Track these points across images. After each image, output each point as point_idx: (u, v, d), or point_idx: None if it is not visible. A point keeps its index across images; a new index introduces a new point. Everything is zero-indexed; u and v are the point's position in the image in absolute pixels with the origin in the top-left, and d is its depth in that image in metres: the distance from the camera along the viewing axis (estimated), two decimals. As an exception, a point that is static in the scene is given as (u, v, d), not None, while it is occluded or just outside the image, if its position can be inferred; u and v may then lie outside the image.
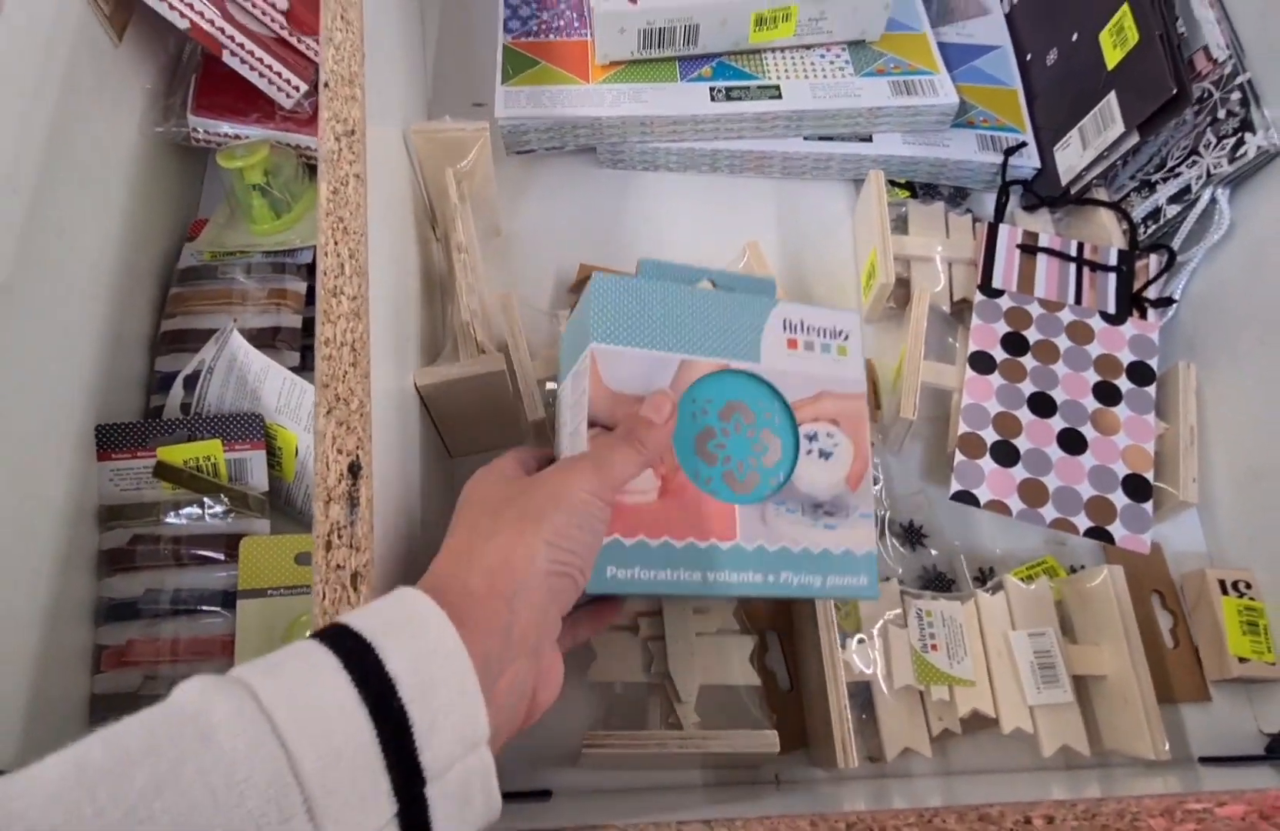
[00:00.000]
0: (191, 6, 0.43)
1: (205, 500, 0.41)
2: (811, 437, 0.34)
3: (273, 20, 0.46)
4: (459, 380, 0.40)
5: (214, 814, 0.16)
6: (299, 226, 0.49)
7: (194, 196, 0.53)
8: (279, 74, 0.47)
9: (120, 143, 0.45)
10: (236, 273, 0.47)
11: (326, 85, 0.35)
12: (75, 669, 0.39)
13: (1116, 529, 0.44)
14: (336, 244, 0.32)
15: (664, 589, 0.31)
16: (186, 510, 0.42)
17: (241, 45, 0.45)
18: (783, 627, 0.44)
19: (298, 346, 0.46)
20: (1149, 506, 0.44)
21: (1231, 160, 0.46)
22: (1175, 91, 0.45)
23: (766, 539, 0.32)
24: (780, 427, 0.34)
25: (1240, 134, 0.46)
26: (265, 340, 0.45)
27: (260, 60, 0.46)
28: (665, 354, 0.33)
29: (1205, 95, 0.48)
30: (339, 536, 0.27)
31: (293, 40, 0.47)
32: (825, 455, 0.34)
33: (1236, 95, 0.46)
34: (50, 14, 0.39)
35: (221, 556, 0.41)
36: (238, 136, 0.48)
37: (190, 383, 0.43)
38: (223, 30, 0.45)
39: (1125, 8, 0.49)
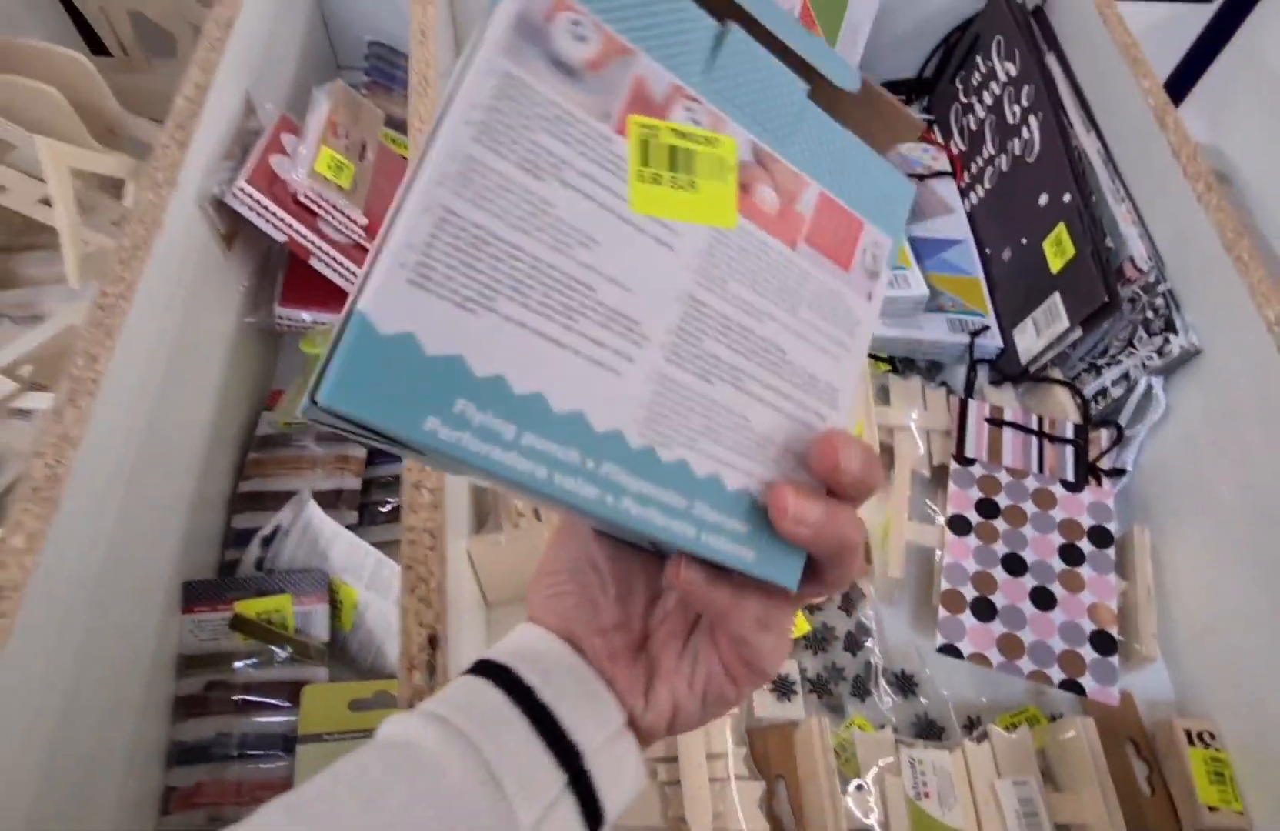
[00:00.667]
0: (289, 224, 0.53)
1: (273, 649, 0.46)
2: None
3: (353, 231, 0.55)
4: (504, 547, 0.46)
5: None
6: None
7: (271, 369, 0.60)
8: (354, 272, 0.55)
9: (220, 332, 0.53)
10: (307, 440, 0.54)
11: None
12: (145, 810, 0.43)
13: (1087, 681, 0.49)
14: (416, 444, 0.39)
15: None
16: (255, 659, 0.46)
17: (326, 252, 0.54)
18: (790, 774, 0.48)
19: (356, 506, 0.53)
20: (1115, 659, 0.50)
21: (1160, 355, 0.54)
22: (1107, 300, 0.54)
23: None
24: None
25: (1165, 334, 0.54)
26: (330, 501, 0.52)
27: (339, 262, 0.55)
28: None
29: (1135, 298, 0.56)
30: (419, 700, 0.32)
31: (366, 245, 0.56)
32: None
33: (1160, 300, 0.55)
34: (182, 233, 0.48)
35: (285, 703, 0.45)
36: (316, 323, 0.56)
37: (267, 541, 0.49)
38: (312, 242, 0.54)
39: (1062, 225, 0.58)
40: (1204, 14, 0.78)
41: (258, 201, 0.51)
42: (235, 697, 0.44)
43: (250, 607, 0.47)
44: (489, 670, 0.24)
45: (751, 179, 0.22)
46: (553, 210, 0.19)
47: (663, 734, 0.26)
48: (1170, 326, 0.54)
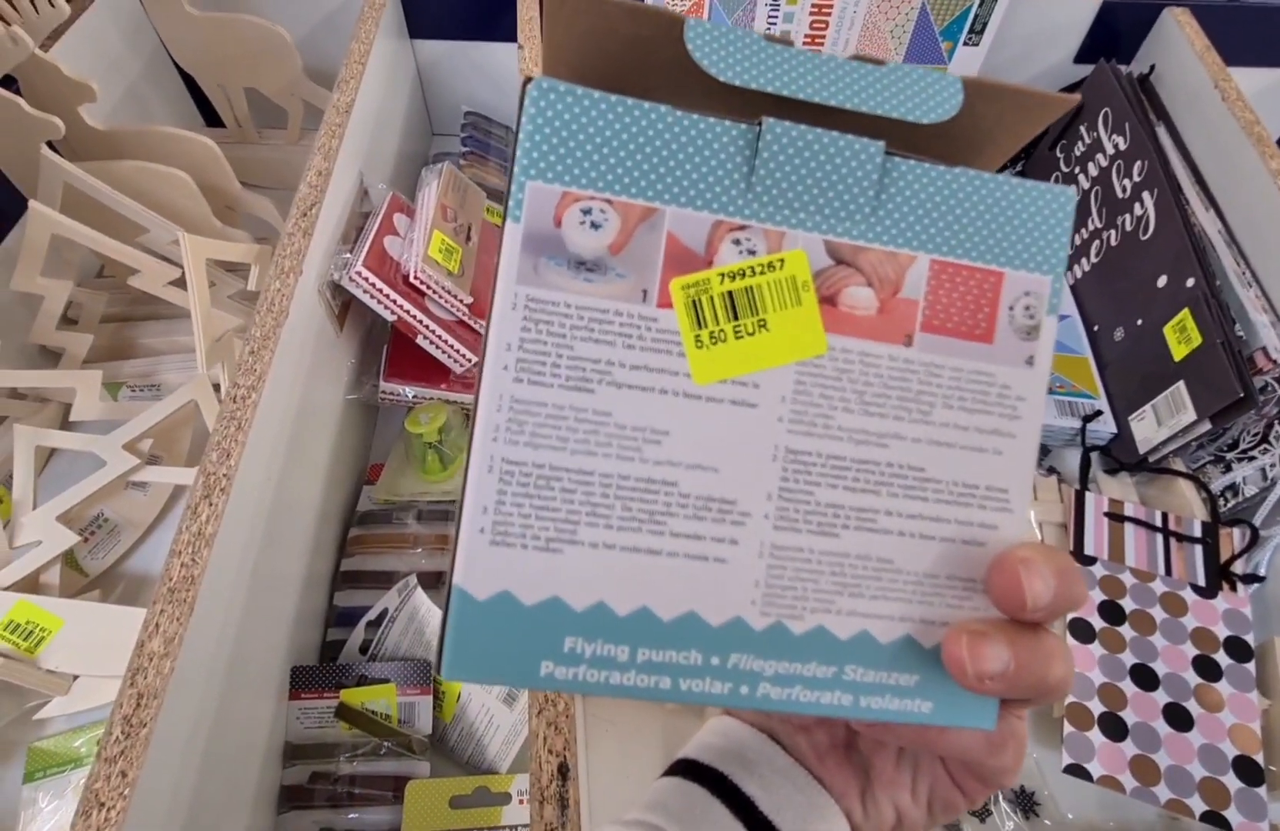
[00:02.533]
0: (401, 305, 0.53)
1: (378, 742, 0.46)
2: None
3: (458, 310, 0.56)
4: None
5: None
6: (459, 471, 0.56)
7: (369, 443, 0.61)
8: (457, 349, 0.56)
9: (330, 409, 0.54)
10: (409, 518, 0.54)
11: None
12: (253, 901, 0.43)
13: (1232, 814, 0.45)
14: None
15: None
16: (360, 749, 0.46)
17: (432, 330, 0.55)
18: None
19: (455, 585, 0.52)
20: (1263, 791, 0.46)
21: (1304, 455, 0.50)
22: (1242, 395, 0.50)
23: None
24: None
25: (1309, 433, 0.51)
26: (431, 582, 0.52)
27: (444, 340, 0.55)
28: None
29: (1268, 387, 0.53)
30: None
31: (471, 322, 0.57)
32: None
33: (1301, 395, 0.52)
34: (304, 318, 0.49)
35: (389, 795, 0.45)
36: (417, 398, 0.57)
37: (373, 624, 0.49)
38: (419, 320, 0.54)
39: (1187, 311, 0.55)
40: (1321, 79, 0.75)
41: (373, 283, 0.52)
42: (340, 789, 0.44)
43: (355, 697, 0.47)
44: (696, 772, 0.22)
45: (836, 285, 0.19)
46: (611, 419, 0.18)
47: None
48: (1314, 425, 0.50)
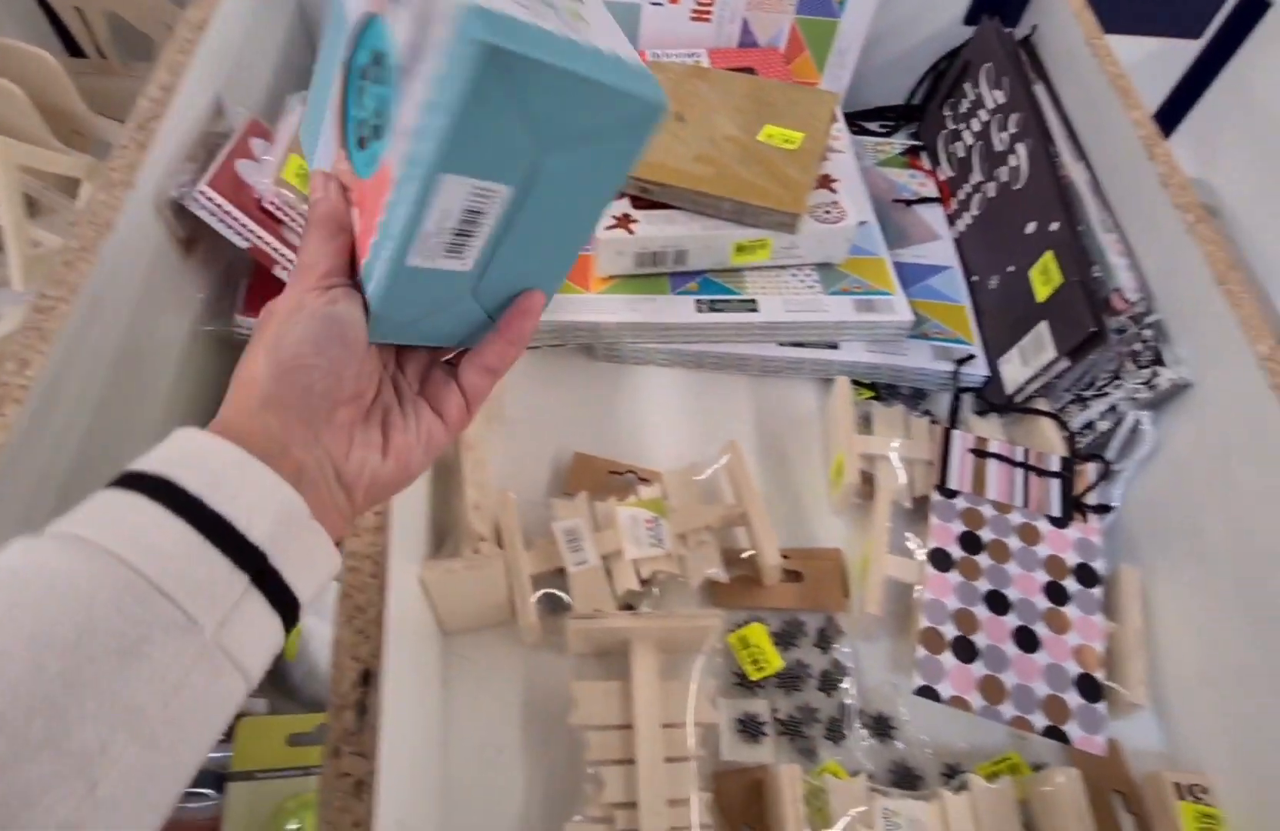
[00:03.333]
0: (255, 231, 0.51)
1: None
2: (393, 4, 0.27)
3: (319, 240, 0.54)
4: (460, 574, 0.43)
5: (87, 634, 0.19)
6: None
7: (225, 379, 0.58)
8: (320, 283, 0.54)
9: (174, 339, 0.51)
10: (263, 455, 0.51)
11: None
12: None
13: (1072, 728, 0.46)
14: (363, 462, 0.37)
15: (384, 283, 0.27)
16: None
17: (291, 261, 0.52)
18: (757, 823, 0.45)
19: (312, 524, 0.50)
20: (1102, 706, 0.47)
21: (1149, 388, 0.52)
22: (1095, 329, 0.52)
23: (401, 146, 0.26)
24: (377, 37, 0.28)
25: (1154, 366, 0.52)
26: (283, 519, 0.49)
27: (305, 272, 0.53)
28: (324, 124, 0.30)
29: (1122, 329, 0.55)
30: (347, 744, 0.30)
31: (334, 255, 0.55)
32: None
33: (1149, 332, 0.53)
34: (136, 236, 0.46)
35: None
36: (277, 333, 0.54)
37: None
38: (276, 250, 0.52)
39: (1049, 253, 0.57)
40: (1193, 49, 0.78)
41: (219, 206, 0.49)
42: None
43: (190, 630, 0.44)
44: (142, 483, 0.22)
45: None
46: None
47: (367, 486, 0.27)
48: (1159, 359, 0.52)
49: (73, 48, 0.71)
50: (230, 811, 0.40)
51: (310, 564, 0.25)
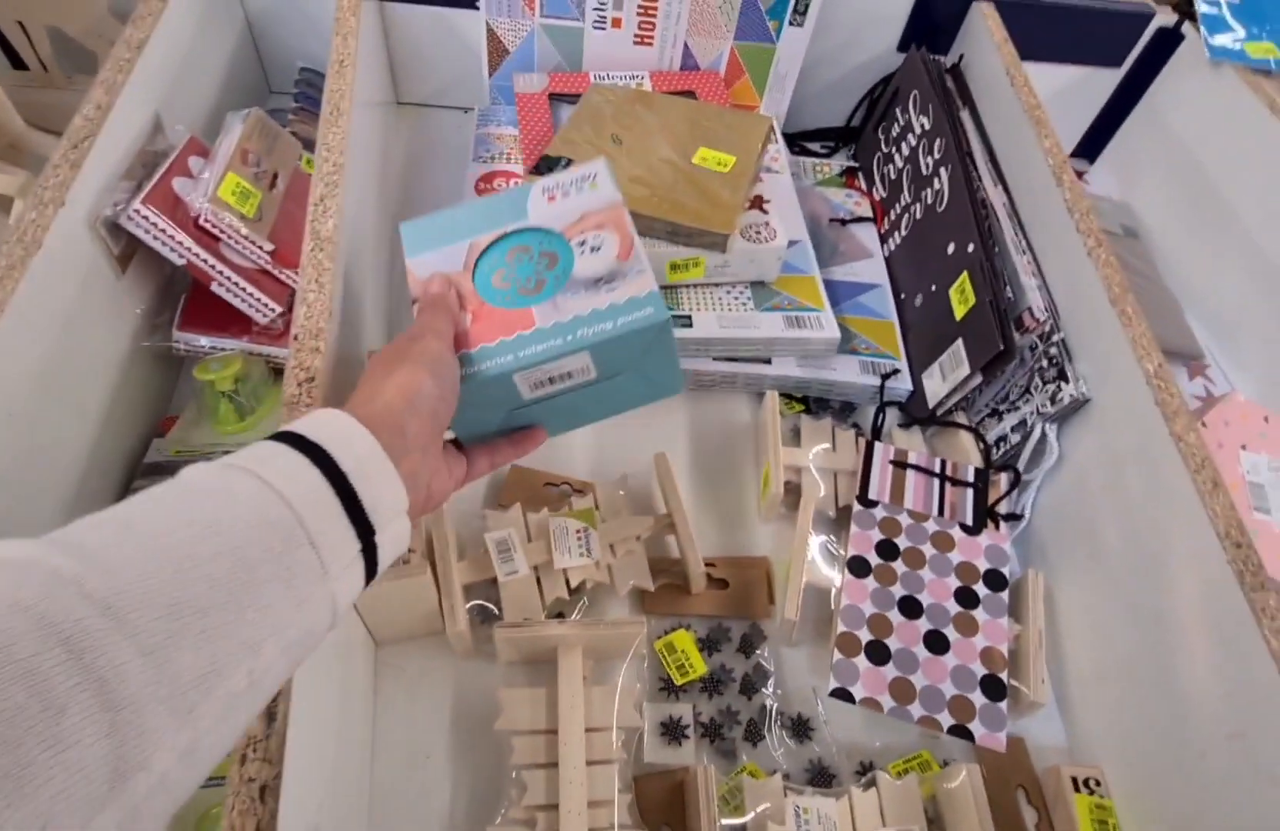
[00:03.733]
0: (190, 249, 0.52)
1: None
2: (582, 242, 0.43)
3: (260, 258, 0.55)
4: (386, 586, 0.45)
5: (248, 534, 0.24)
6: (261, 426, 0.55)
7: (168, 394, 0.59)
8: (258, 298, 0.55)
9: (109, 356, 0.52)
10: (199, 468, 0.52)
11: (296, 338, 0.43)
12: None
13: (976, 727, 0.49)
14: (282, 477, 0.38)
15: (491, 374, 0.39)
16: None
17: (228, 277, 0.53)
18: (676, 823, 0.47)
19: (247, 536, 0.51)
20: (1004, 705, 0.50)
21: (1053, 402, 0.55)
22: (1003, 347, 0.55)
23: (560, 316, 0.41)
24: (557, 246, 0.43)
25: (1058, 381, 0.55)
26: (217, 531, 0.50)
27: (244, 289, 0.54)
28: (453, 246, 0.44)
29: (1033, 346, 0.58)
30: (254, 750, 0.31)
31: (274, 271, 0.56)
32: (596, 248, 0.43)
33: (1054, 349, 0.56)
34: (68, 254, 0.47)
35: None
36: (215, 348, 0.55)
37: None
38: (214, 266, 0.53)
39: (966, 274, 0.60)
40: (1114, 77, 0.82)
41: (154, 224, 0.50)
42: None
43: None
44: (307, 447, 0.28)
45: None
46: None
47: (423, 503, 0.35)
48: (1063, 375, 0.55)
49: (15, 60, 0.71)
50: (153, 819, 0.41)
51: (395, 550, 0.31)
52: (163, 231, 0.50)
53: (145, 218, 0.50)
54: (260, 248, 0.54)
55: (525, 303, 0.41)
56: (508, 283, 0.42)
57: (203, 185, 0.52)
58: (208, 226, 0.52)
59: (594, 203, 0.45)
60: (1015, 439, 0.58)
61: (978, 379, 0.58)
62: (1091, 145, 0.87)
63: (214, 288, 0.53)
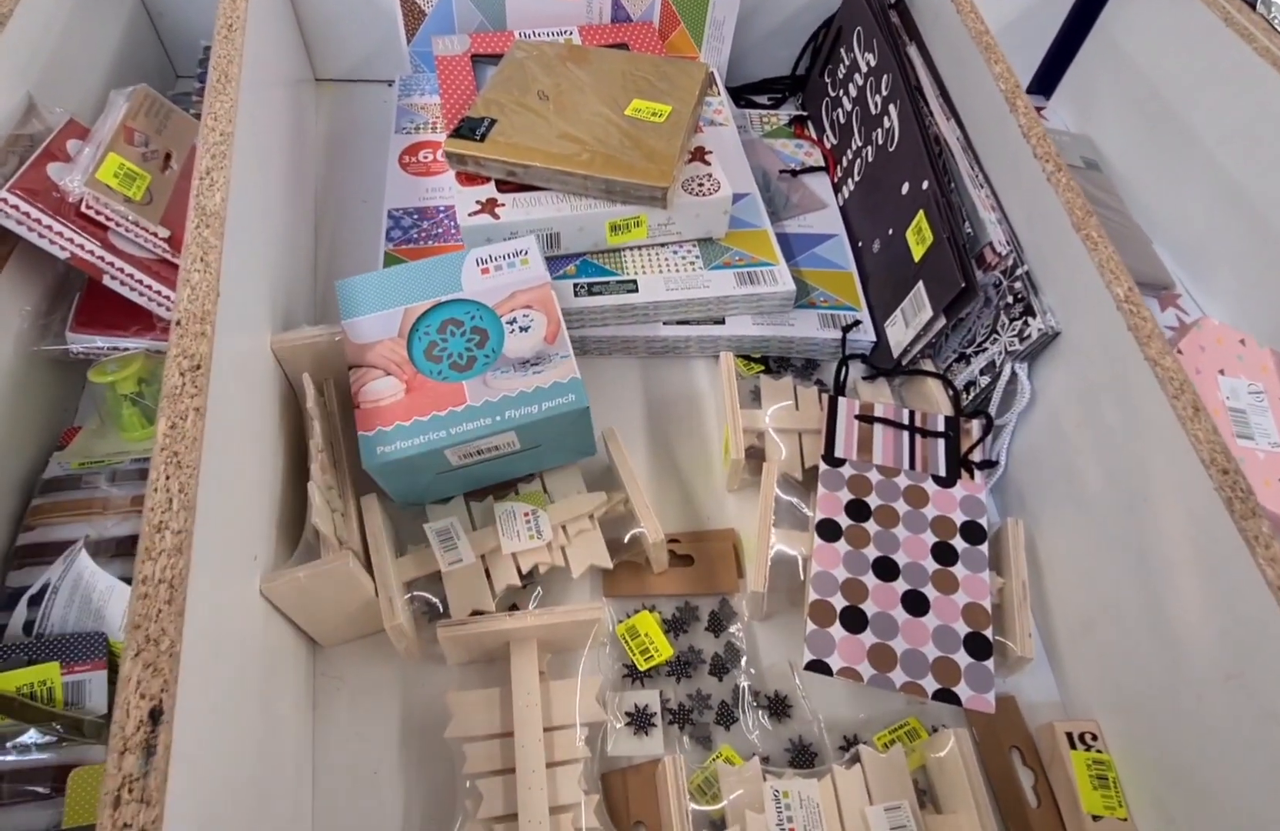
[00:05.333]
0: (72, 240, 0.47)
1: (34, 731, 0.39)
2: (512, 321, 0.47)
3: (155, 246, 0.50)
4: (305, 581, 0.40)
5: None
6: (170, 431, 0.50)
7: (71, 405, 0.54)
8: (157, 291, 0.50)
9: (-11, 365, 0.46)
10: (100, 481, 0.47)
11: (179, 323, 0.38)
12: None
13: (962, 689, 0.46)
14: (168, 479, 0.33)
15: (423, 449, 0.43)
16: (17, 741, 0.40)
17: (122, 270, 0.48)
18: (650, 819, 0.43)
19: (157, 553, 0.46)
20: (990, 664, 0.47)
21: (1021, 340, 0.52)
22: (964, 285, 0.52)
23: (490, 395, 0.45)
24: (487, 323, 0.48)
25: (1025, 317, 0.52)
26: (126, 549, 0.45)
27: (140, 281, 0.49)
28: (389, 311, 0.48)
29: (997, 283, 0.55)
30: (129, 791, 0.27)
31: (174, 260, 0.51)
32: (525, 328, 0.47)
33: (1019, 284, 0.53)
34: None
35: (47, 791, 0.38)
36: (115, 349, 0.50)
37: (35, 601, 0.42)
38: (103, 258, 0.48)
39: (922, 213, 0.57)
40: (1065, 6, 0.80)
41: (25, 213, 0.45)
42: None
43: (10, 681, 0.40)
44: None
45: None
46: None
47: None
48: (1029, 310, 0.52)
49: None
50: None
51: None
52: (36, 221, 0.45)
53: (15, 207, 0.44)
54: (152, 233, 0.49)
55: (457, 378, 0.46)
56: (440, 356, 0.46)
57: (79, 167, 0.47)
58: (90, 213, 0.47)
59: (524, 280, 0.50)
60: (984, 382, 0.55)
61: (941, 321, 0.55)
62: (1046, 80, 0.85)
63: (106, 281, 0.48)
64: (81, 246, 0.47)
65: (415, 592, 0.46)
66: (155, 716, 0.28)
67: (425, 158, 0.62)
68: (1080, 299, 0.49)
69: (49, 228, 0.46)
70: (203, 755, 0.30)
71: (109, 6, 0.63)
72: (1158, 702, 0.43)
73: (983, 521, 0.51)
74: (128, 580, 0.43)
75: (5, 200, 0.44)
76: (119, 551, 0.45)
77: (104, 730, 0.41)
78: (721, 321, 0.60)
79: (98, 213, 0.47)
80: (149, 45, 0.69)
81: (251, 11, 0.53)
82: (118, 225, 0.48)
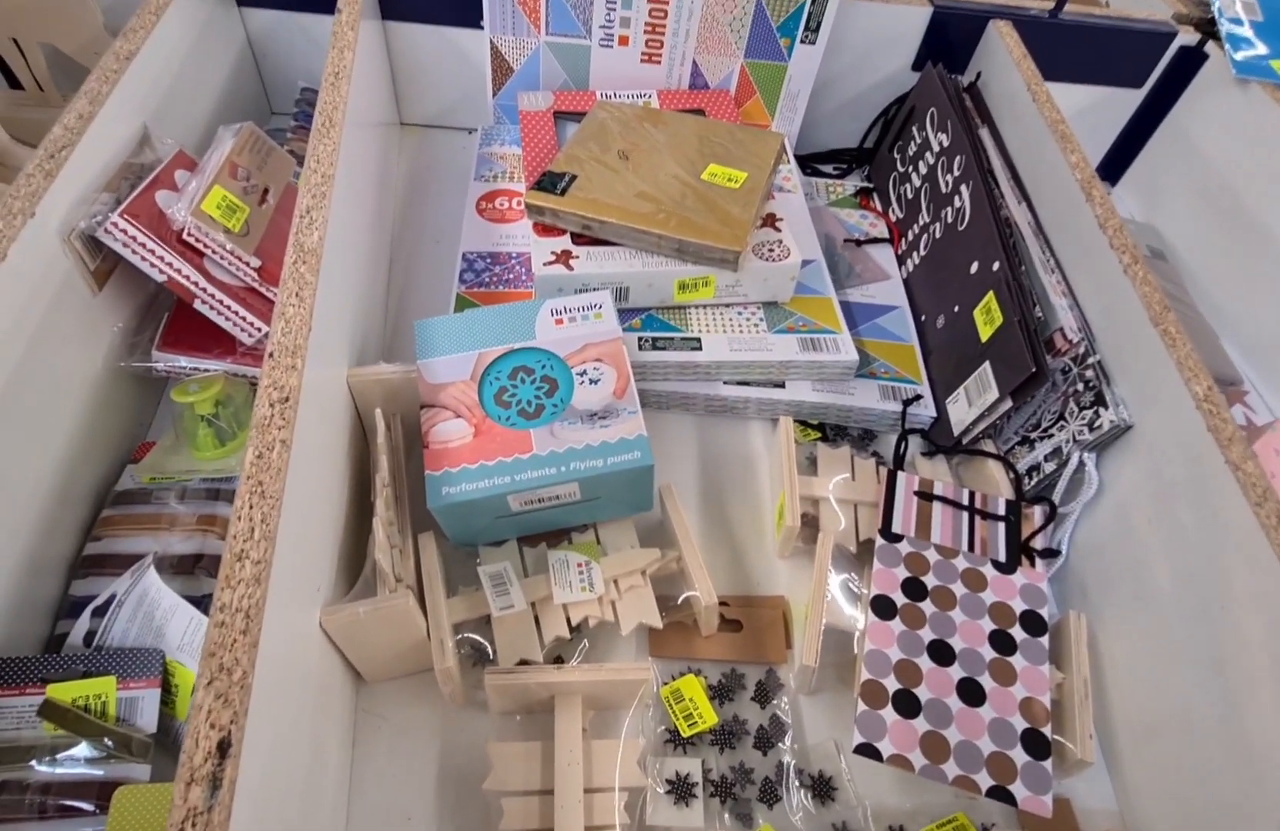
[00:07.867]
0: (171, 264, 0.49)
1: (86, 745, 0.40)
2: (582, 373, 0.48)
3: (245, 274, 0.52)
4: (363, 619, 0.41)
5: None
6: (242, 454, 0.52)
7: (146, 420, 0.56)
8: (243, 317, 0.52)
9: (83, 377, 0.48)
10: (170, 497, 0.49)
11: (271, 355, 0.39)
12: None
13: (1018, 789, 0.44)
14: (252, 508, 0.34)
15: (487, 494, 0.44)
16: (67, 754, 0.40)
17: (213, 295, 0.51)
18: (685, 893, 0.42)
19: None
20: (1048, 764, 0.45)
21: (1091, 429, 0.51)
22: (1035, 369, 0.51)
23: (556, 445, 0.46)
24: (557, 373, 0.48)
25: (1096, 407, 0.52)
26: (186, 567, 0.46)
27: (228, 307, 0.51)
28: (463, 354, 0.49)
29: (1066, 369, 0.54)
30: (193, 825, 0.27)
31: (261, 289, 0.53)
32: (594, 381, 0.48)
33: (1090, 372, 0.53)
34: (36, 267, 0.44)
35: (91, 807, 0.39)
36: (196, 369, 0.52)
37: (100, 611, 0.43)
38: (197, 283, 0.50)
39: (991, 294, 0.57)
40: (1136, 97, 0.80)
41: (132, 236, 0.47)
42: (31, 802, 0.38)
43: (67, 692, 0.41)
44: None
45: None
46: None
47: None
48: (1101, 400, 0.51)
49: (12, 80, 0.70)
50: (100, 891, 0.36)
51: None
52: (141, 245, 0.48)
53: (123, 230, 0.47)
54: (245, 263, 0.51)
55: (525, 425, 0.46)
56: (509, 402, 0.47)
57: (186, 198, 0.49)
58: (190, 240, 0.49)
59: (597, 333, 0.50)
60: (1049, 468, 0.54)
61: (1007, 403, 0.54)
62: (1112, 168, 0.84)
63: (197, 305, 0.50)
64: (179, 271, 0.49)
65: (464, 634, 0.46)
66: (223, 749, 0.29)
67: (501, 205, 0.64)
68: (1156, 394, 0.48)
69: (151, 252, 0.48)
70: (262, 791, 0.31)
71: (221, 46, 0.67)
72: (1228, 822, 0.40)
73: (1044, 612, 0.50)
74: (187, 599, 0.44)
75: (116, 224, 0.47)
76: (180, 568, 0.46)
77: (150, 749, 0.41)
78: (782, 385, 0.60)
79: (198, 241, 0.49)
80: (251, 83, 0.73)
81: (357, 63, 0.56)
82: (215, 253, 0.50)
